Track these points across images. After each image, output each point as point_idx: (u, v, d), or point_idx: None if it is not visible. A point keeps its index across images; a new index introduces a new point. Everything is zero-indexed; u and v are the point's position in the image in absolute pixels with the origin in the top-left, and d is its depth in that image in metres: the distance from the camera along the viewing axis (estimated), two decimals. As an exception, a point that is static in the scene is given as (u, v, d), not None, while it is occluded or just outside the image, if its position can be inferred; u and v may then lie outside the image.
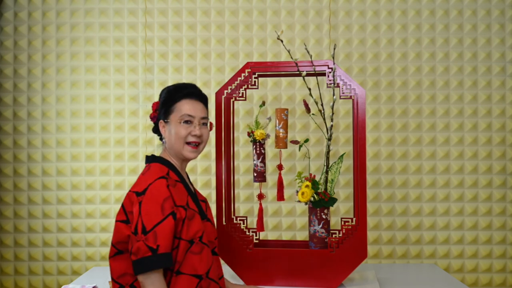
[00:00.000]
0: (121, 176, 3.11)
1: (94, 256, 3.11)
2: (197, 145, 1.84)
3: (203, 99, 1.91)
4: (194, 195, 1.85)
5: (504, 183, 3.09)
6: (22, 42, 3.14)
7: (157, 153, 1.92)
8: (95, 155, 3.13)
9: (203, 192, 3.10)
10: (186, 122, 1.82)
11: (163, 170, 1.76)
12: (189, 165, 3.11)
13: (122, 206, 1.71)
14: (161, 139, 1.91)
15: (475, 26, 3.12)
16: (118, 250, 1.69)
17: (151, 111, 2.05)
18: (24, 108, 3.13)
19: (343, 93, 2.30)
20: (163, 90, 1.90)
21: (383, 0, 3.13)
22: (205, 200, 1.95)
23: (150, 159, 1.85)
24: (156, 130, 1.93)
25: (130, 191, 1.71)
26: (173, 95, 1.85)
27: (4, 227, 3.11)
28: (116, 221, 1.71)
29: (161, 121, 1.85)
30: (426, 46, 3.13)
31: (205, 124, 1.88)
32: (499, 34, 3.11)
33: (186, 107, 1.83)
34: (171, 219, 1.63)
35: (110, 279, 2.42)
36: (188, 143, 1.82)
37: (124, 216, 1.69)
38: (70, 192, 3.12)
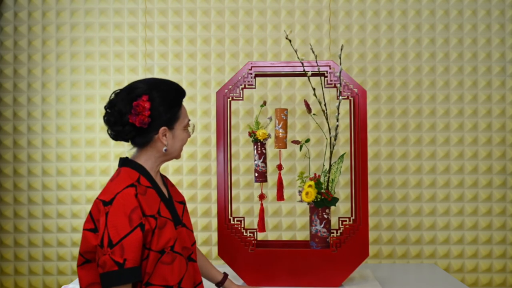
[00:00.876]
0: (121, 176, 3.11)
1: (94, 256, 3.10)
2: None
3: None
4: (168, 200, 1.74)
5: (504, 183, 3.09)
6: (22, 42, 3.14)
7: (129, 155, 1.77)
8: (95, 155, 3.13)
9: (203, 192, 3.10)
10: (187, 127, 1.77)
11: (133, 177, 1.64)
12: (190, 165, 3.11)
13: (90, 213, 1.60)
14: (140, 144, 1.70)
15: (475, 26, 3.12)
16: (86, 259, 1.60)
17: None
18: (24, 108, 3.13)
19: (344, 93, 2.30)
20: (157, 91, 1.66)
21: (383, 0, 3.14)
22: (183, 202, 1.84)
23: (121, 162, 1.71)
24: (139, 134, 1.66)
25: (97, 198, 1.59)
26: (178, 99, 1.71)
27: (4, 227, 3.10)
28: (84, 229, 1.59)
29: (164, 128, 1.67)
30: (426, 46, 3.13)
31: None
32: (499, 34, 3.12)
33: (185, 111, 1.76)
34: (139, 231, 1.53)
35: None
36: None
37: (92, 225, 1.58)
38: (70, 192, 3.12)
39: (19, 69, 3.13)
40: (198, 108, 3.13)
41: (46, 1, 3.15)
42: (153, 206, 1.63)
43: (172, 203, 1.76)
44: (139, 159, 1.70)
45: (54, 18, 3.15)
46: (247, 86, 2.34)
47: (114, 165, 3.11)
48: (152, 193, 1.66)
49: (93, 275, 1.60)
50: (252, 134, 2.40)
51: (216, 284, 2.04)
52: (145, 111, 1.61)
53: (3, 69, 3.13)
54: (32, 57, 3.14)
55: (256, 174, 2.40)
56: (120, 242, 1.50)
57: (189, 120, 1.77)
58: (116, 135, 1.66)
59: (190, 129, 1.78)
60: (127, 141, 1.69)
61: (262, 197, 2.44)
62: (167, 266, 1.60)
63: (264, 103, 2.46)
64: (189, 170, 3.12)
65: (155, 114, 1.64)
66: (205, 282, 1.98)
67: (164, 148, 1.69)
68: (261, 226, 2.42)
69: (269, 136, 2.39)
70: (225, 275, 2.05)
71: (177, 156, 1.78)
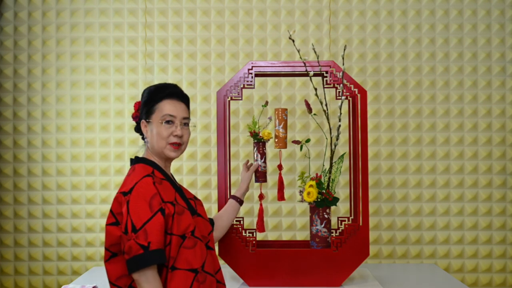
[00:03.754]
0: (121, 176, 3.11)
1: (94, 256, 3.10)
2: (179, 145, 1.83)
3: (185, 99, 1.90)
4: (181, 192, 1.84)
5: (504, 183, 3.10)
6: (22, 42, 3.14)
7: (140, 154, 1.90)
8: (95, 155, 3.13)
9: (203, 192, 3.10)
10: (168, 122, 1.81)
11: (148, 170, 1.76)
12: (189, 165, 3.11)
13: (111, 210, 1.71)
14: (143, 138, 1.90)
15: (475, 26, 3.13)
16: (113, 253, 1.69)
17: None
18: (24, 108, 3.13)
19: (344, 93, 2.31)
20: (145, 90, 1.89)
21: (383, 0, 3.14)
22: (193, 198, 1.93)
23: (134, 160, 1.84)
24: (138, 129, 1.91)
25: (117, 193, 1.71)
26: (155, 95, 1.84)
27: (4, 227, 3.10)
28: (106, 225, 1.71)
29: (143, 121, 1.85)
30: (426, 46, 3.13)
31: (186, 124, 1.87)
32: (499, 34, 3.12)
33: (167, 107, 1.82)
34: (160, 215, 1.63)
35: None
36: (170, 143, 1.82)
37: (113, 219, 1.69)
38: (70, 192, 3.12)
39: (19, 69, 3.13)
40: (198, 108, 3.13)
41: (46, 1, 3.15)
42: (170, 195, 1.73)
43: (185, 196, 1.86)
44: (147, 155, 1.86)
45: (54, 18, 3.15)
46: (246, 86, 2.35)
47: (114, 165, 3.12)
48: (167, 184, 1.77)
49: (121, 268, 1.69)
50: (254, 134, 2.39)
51: (239, 203, 2.27)
52: (135, 107, 1.91)
53: (3, 69, 3.13)
54: (32, 57, 3.14)
55: (257, 174, 2.40)
56: (143, 227, 1.59)
57: (171, 115, 1.82)
58: (137, 132, 1.93)
59: (174, 126, 1.82)
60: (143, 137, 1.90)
61: (261, 197, 2.44)
62: (190, 250, 1.68)
63: (266, 103, 2.46)
64: (189, 170, 3.12)
65: (140, 110, 1.89)
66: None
67: (146, 140, 1.86)
68: (261, 226, 2.41)
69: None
70: (231, 196, 2.26)
71: (162, 153, 1.83)
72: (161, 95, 1.84)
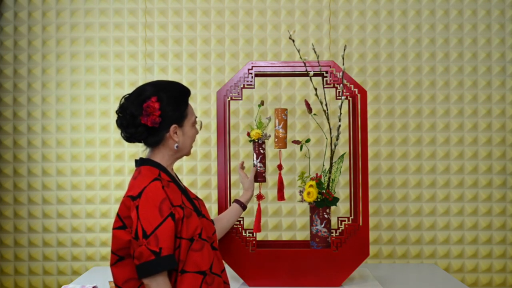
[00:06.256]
0: (121, 176, 3.11)
1: (94, 256, 3.10)
2: None
3: None
4: (186, 193, 1.85)
5: (504, 183, 3.10)
6: (22, 42, 3.14)
7: (143, 155, 1.88)
8: (95, 155, 3.13)
9: (203, 192, 3.10)
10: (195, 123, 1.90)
11: (154, 172, 1.74)
12: (189, 165, 3.11)
13: (117, 214, 1.69)
14: (153, 144, 1.81)
15: (475, 26, 3.13)
16: (120, 257, 1.68)
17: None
18: (24, 108, 3.13)
19: (344, 93, 2.31)
20: (161, 93, 1.76)
21: (383, 0, 3.14)
22: (196, 198, 1.94)
23: (139, 162, 1.81)
24: (149, 135, 1.77)
25: (124, 196, 1.69)
26: (185, 98, 1.84)
27: (4, 227, 3.10)
28: (113, 229, 1.69)
29: (175, 126, 1.78)
30: (426, 46, 3.13)
31: None
32: (499, 34, 3.12)
33: (192, 109, 1.89)
34: (171, 220, 1.62)
35: (110, 279, 2.42)
36: None
37: (120, 223, 1.67)
38: (70, 192, 3.12)
39: (19, 69, 3.13)
40: (198, 108, 3.13)
41: (46, 1, 3.15)
42: (177, 198, 1.73)
43: (189, 196, 1.86)
44: (154, 158, 1.82)
45: (54, 18, 3.15)
46: (246, 86, 2.35)
47: (114, 165, 3.11)
48: (173, 186, 1.76)
49: (128, 271, 1.68)
50: (249, 135, 2.38)
51: (243, 208, 2.26)
52: (155, 111, 1.72)
53: (3, 69, 3.13)
54: (32, 57, 3.14)
55: (255, 174, 2.39)
56: (154, 232, 1.58)
57: (196, 117, 1.90)
58: (130, 137, 1.79)
59: (197, 126, 1.91)
60: (140, 142, 1.81)
61: (260, 197, 2.43)
62: (198, 253, 1.69)
63: (262, 103, 2.44)
64: (189, 170, 3.12)
65: (165, 113, 1.75)
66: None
67: (176, 145, 1.80)
68: (257, 227, 2.39)
69: (264, 135, 2.37)
70: (235, 201, 2.24)
71: (188, 153, 1.89)
72: (187, 97, 1.85)
